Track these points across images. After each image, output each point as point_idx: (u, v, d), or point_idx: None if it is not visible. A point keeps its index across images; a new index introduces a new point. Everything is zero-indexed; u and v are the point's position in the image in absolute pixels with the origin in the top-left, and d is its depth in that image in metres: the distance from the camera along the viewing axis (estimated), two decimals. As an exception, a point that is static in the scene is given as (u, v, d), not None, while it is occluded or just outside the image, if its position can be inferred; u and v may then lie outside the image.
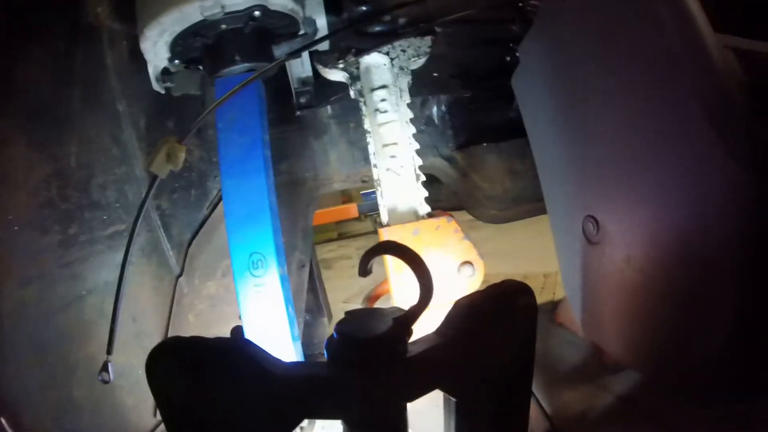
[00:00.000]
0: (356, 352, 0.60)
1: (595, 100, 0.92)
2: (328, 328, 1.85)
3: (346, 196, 5.73)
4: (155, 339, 1.37)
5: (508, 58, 1.49)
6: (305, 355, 1.21)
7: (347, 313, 0.66)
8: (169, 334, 1.40)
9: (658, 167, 0.79)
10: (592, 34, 0.89)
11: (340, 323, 0.63)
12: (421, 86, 1.40)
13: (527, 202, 1.66)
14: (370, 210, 5.57)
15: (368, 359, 0.60)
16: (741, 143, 0.66)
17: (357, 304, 2.53)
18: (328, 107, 1.55)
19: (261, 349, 0.66)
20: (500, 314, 0.69)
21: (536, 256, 2.88)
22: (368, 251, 0.64)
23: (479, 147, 1.64)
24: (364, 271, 0.65)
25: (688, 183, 0.73)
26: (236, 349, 0.65)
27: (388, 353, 0.61)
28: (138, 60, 1.27)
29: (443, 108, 1.61)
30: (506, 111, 1.56)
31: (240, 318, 1.14)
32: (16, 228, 1.10)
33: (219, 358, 0.64)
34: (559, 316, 1.65)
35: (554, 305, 1.74)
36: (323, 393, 0.62)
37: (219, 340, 0.66)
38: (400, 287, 1.19)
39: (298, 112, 1.51)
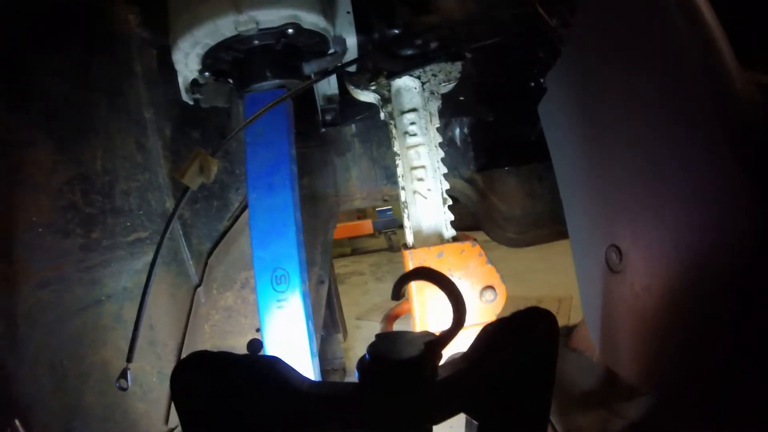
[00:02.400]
0: (388, 375, 0.60)
1: (621, 130, 0.92)
2: (342, 345, 1.86)
3: (360, 212, 5.75)
4: (170, 347, 1.38)
5: (533, 84, 1.50)
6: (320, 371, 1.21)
7: (378, 335, 0.66)
8: (185, 344, 1.40)
9: (682, 198, 0.79)
10: (619, 66, 0.89)
11: (372, 346, 0.63)
12: (445, 108, 1.40)
13: (546, 226, 1.66)
14: (385, 227, 5.58)
15: (400, 382, 0.61)
16: (763, 176, 0.66)
17: (370, 321, 2.55)
18: (353, 125, 1.56)
19: (289, 366, 0.66)
20: (524, 340, 0.69)
21: (550, 279, 2.89)
22: (403, 276, 0.65)
23: (499, 169, 1.64)
24: (398, 294, 0.66)
25: (711, 214, 0.74)
26: (264, 366, 0.65)
27: (419, 377, 0.61)
28: (166, 69, 1.29)
29: (465, 130, 1.62)
30: (528, 135, 1.56)
31: (257, 331, 1.14)
32: (39, 230, 1.10)
33: (247, 374, 0.64)
34: (574, 341, 1.64)
35: (569, 330, 1.74)
36: (352, 413, 0.63)
37: (247, 357, 0.66)
38: (422, 309, 1.20)
39: (323, 129, 1.52)
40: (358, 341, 2.37)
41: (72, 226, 1.17)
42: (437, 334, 0.65)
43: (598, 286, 1.04)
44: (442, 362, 0.67)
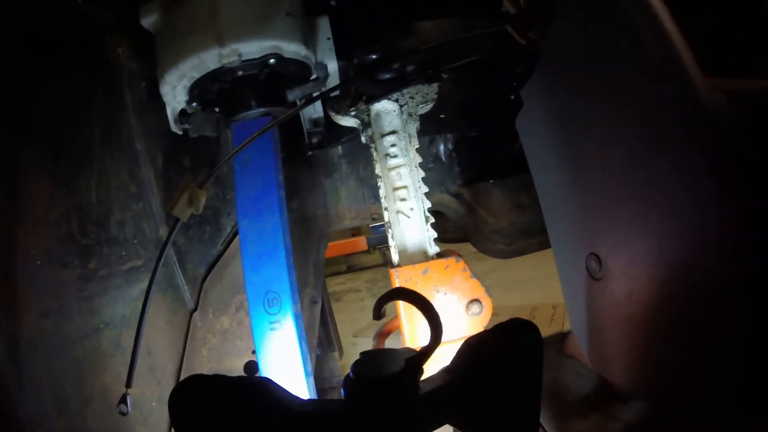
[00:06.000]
0: (371, 391, 0.63)
1: (595, 140, 0.95)
2: (338, 363, 1.88)
3: (355, 229, 5.76)
4: (169, 372, 1.40)
5: (513, 97, 1.53)
6: (317, 389, 1.23)
7: (362, 353, 0.69)
8: (183, 368, 1.42)
9: (657, 205, 0.81)
10: (590, 78, 0.92)
11: (356, 363, 0.66)
12: (429, 126, 1.43)
13: (534, 236, 1.69)
14: (379, 243, 5.61)
15: (382, 397, 0.63)
16: (734, 181, 0.68)
17: (367, 338, 2.56)
18: (339, 147, 1.59)
19: (280, 386, 0.69)
20: (507, 352, 0.72)
21: (544, 286, 2.90)
22: (381, 297, 0.68)
23: (485, 182, 1.67)
24: (378, 315, 0.69)
25: (686, 220, 0.76)
26: (257, 387, 0.68)
27: (400, 391, 0.64)
28: (156, 99, 1.31)
29: (450, 146, 1.65)
30: (511, 147, 1.59)
31: (253, 353, 1.16)
32: (38, 262, 1.13)
33: (240, 395, 0.66)
34: (569, 347, 1.65)
35: (563, 336, 1.75)
36: (339, 430, 0.65)
37: (240, 378, 0.69)
38: (410, 325, 1.22)
39: (309, 152, 1.55)
40: (355, 358, 2.36)
41: (70, 257, 1.19)
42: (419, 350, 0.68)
43: (582, 293, 1.06)
44: (425, 377, 0.69)
